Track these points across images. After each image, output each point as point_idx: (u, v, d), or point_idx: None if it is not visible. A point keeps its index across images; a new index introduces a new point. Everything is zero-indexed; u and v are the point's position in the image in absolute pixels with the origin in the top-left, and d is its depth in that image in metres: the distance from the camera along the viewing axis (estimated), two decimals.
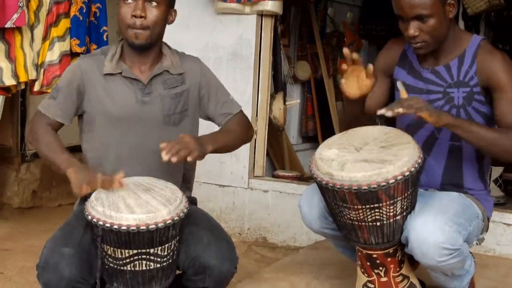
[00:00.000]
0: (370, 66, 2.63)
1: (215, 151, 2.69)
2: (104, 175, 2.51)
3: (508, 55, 2.79)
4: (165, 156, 2.47)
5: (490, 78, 2.68)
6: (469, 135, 2.61)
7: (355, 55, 2.62)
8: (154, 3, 2.68)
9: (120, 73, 2.73)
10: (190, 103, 2.83)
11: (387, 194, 2.47)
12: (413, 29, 2.65)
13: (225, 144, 2.77)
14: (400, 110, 2.52)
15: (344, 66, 2.65)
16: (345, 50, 2.64)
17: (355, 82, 2.67)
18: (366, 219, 2.53)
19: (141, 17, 2.66)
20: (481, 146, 2.64)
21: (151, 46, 2.74)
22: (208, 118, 2.92)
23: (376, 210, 2.50)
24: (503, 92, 2.66)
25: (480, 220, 2.75)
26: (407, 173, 2.47)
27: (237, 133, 2.85)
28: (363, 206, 2.50)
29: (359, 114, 2.80)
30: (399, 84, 2.68)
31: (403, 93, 2.63)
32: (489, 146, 2.63)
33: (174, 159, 2.47)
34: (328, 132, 6.01)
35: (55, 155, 2.64)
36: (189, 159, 2.51)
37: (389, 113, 2.53)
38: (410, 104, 2.53)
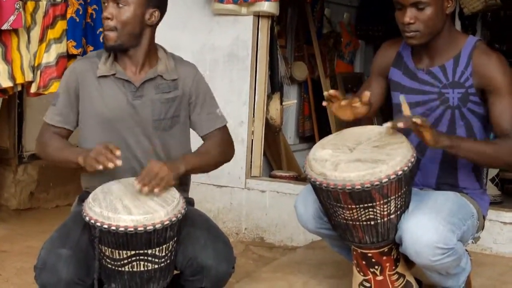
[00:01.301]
0: (366, 93, 2.62)
1: (188, 172, 2.71)
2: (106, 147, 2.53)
3: (504, 55, 2.80)
4: (136, 186, 2.50)
5: (485, 79, 2.69)
6: (468, 154, 2.63)
7: (344, 102, 2.61)
8: (121, 4, 2.68)
9: (114, 74, 2.74)
10: (182, 109, 2.82)
11: (381, 193, 2.48)
12: (409, 16, 2.66)
13: (200, 166, 2.78)
14: (402, 125, 2.52)
15: (325, 104, 2.66)
16: (326, 94, 2.64)
17: (349, 110, 2.66)
18: (360, 218, 2.54)
19: (107, 18, 2.67)
20: (482, 163, 2.70)
21: (128, 48, 2.73)
22: (192, 127, 2.92)
23: (370, 209, 2.51)
24: (499, 95, 2.67)
25: (475, 219, 2.76)
26: (400, 172, 2.47)
27: (214, 155, 2.84)
28: (357, 206, 2.51)
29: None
30: (401, 99, 2.67)
31: (405, 109, 2.61)
32: (490, 161, 2.70)
33: (145, 189, 2.49)
34: (325, 133, 6.01)
35: (64, 153, 2.69)
36: (156, 190, 2.51)
37: (390, 131, 2.58)
38: (412, 123, 2.52)
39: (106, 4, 2.69)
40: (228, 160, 2.94)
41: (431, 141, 2.55)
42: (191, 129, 2.92)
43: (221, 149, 2.87)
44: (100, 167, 2.48)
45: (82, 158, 2.57)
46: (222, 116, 2.92)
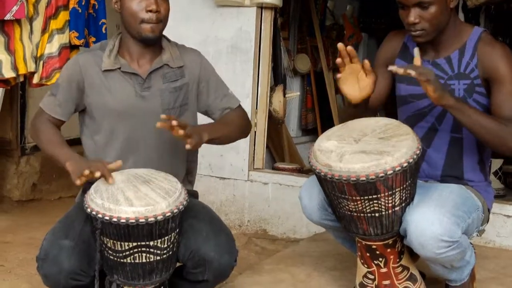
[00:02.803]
0: (366, 62, 2.62)
1: (212, 141, 2.66)
2: (103, 162, 2.52)
3: (508, 47, 2.78)
4: (163, 116, 2.48)
5: (490, 70, 2.68)
6: (469, 120, 2.59)
7: (349, 48, 2.60)
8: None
9: (119, 68, 2.73)
10: (190, 96, 2.82)
11: (386, 185, 2.47)
12: (413, 16, 2.65)
13: (223, 134, 2.75)
14: (412, 73, 2.49)
15: (339, 60, 2.64)
16: (340, 45, 2.62)
17: (355, 84, 2.66)
18: (365, 210, 2.53)
19: (156, 11, 2.68)
20: (482, 135, 2.61)
21: (159, 39, 2.77)
22: (206, 112, 2.91)
23: (375, 201, 2.50)
24: (502, 84, 2.65)
25: (480, 212, 2.75)
26: (405, 164, 2.46)
27: (236, 126, 2.84)
28: (362, 197, 2.50)
29: (361, 115, 2.79)
30: (415, 50, 2.67)
31: (417, 60, 2.62)
32: (489, 135, 2.60)
33: (174, 123, 2.45)
34: (327, 125, 5.94)
35: (55, 150, 2.67)
36: (187, 147, 2.49)
37: (400, 71, 2.52)
38: (421, 72, 2.51)
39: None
40: (247, 135, 2.96)
41: (434, 96, 2.53)
42: (203, 115, 2.92)
43: (242, 123, 2.89)
44: (87, 172, 2.46)
45: (71, 166, 2.54)
46: (235, 96, 2.93)
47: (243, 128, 2.90)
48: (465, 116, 2.59)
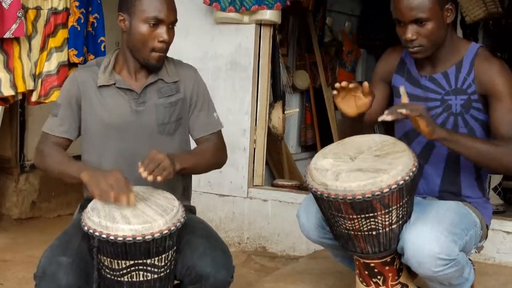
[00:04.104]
0: (366, 85, 2.63)
1: (183, 171, 2.66)
2: (119, 174, 2.51)
3: (506, 63, 2.79)
4: (143, 173, 2.48)
5: (487, 85, 2.68)
6: (464, 149, 2.60)
7: (344, 83, 2.62)
8: (171, 25, 2.71)
9: (114, 84, 2.74)
10: (184, 112, 2.82)
11: (382, 203, 2.47)
12: (410, 32, 2.66)
13: (193, 166, 2.74)
14: (403, 111, 2.50)
15: (335, 93, 2.66)
16: (337, 85, 2.64)
17: (352, 102, 2.68)
18: (362, 228, 2.53)
19: (165, 43, 2.69)
20: (478, 160, 2.64)
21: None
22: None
23: (372, 219, 2.50)
24: (499, 100, 2.66)
25: (478, 229, 2.74)
26: (401, 182, 2.46)
27: (208, 158, 2.82)
28: (358, 216, 2.49)
29: (358, 128, 2.80)
30: (401, 90, 2.68)
31: (404, 99, 2.63)
32: (487, 160, 2.62)
33: (150, 178, 2.47)
34: (327, 141, 6.00)
35: (65, 167, 2.66)
36: (159, 179, 2.49)
37: (389, 118, 2.52)
38: (413, 108, 2.52)
39: (155, 24, 2.66)
40: (220, 166, 2.92)
41: (426, 131, 2.54)
42: None
43: (215, 153, 2.86)
44: (111, 199, 2.45)
45: (87, 176, 2.54)
46: (218, 120, 2.91)
47: (217, 159, 2.88)
48: (459, 146, 2.60)
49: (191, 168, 2.74)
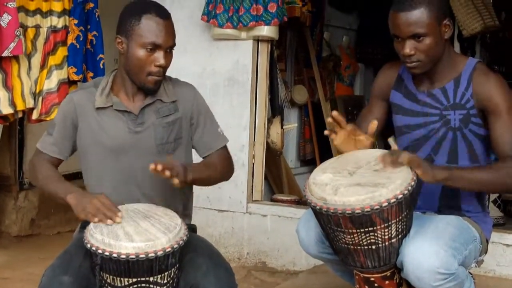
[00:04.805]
0: (374, 123, 2.66)
1: (195, 181, 2.67)
2: (104, 198, 2.53)
3: (504, 77, 2.80)
4: (152, 165, 2.48)
5: (485, 100, 2.69)
6: (466, 183, 2.63)
7: (349, 127, 2.65)
8: (169, 49, 2.71)
9: (111, 106, 2.74)
10: (184, 131, 2.82)
11: (381, 218, 2.47)
12: (408, 48, 2.67)
13: (207, 177, 2.75)
14: (404, 161, 2.52)
15: (326, 132, 2.68)
16: (330, 120, 2.66)
17: (352, 145, 2.70)
18: (361, 242, 2.53)
19: (164, 67, 2.69)
20: (483, 190, 2.69)
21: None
22: (193, 146, 2.91)
23: (371, 233, 2.50)
24: (498, 115, 2.67)
25: (477, 243, 2.74)
26: (400, 196, 2.46)
27: (217, 169, 2.83)
28: (358, 230, 2.50)
29: None
30: (390, 141, 2.69)
31: (394, 147, 2.66)
32: (491, 188, 2.69)
33: (159, 167, 2.47)
34: (326, 156, 5.98)
35: (53, 186, 2.69)
36: (175, 181, 2.50)
37: (380, 165, 2.55)
38: (411, 159, 2.52)
39: (152, 49, 2.65)
40: (227, 179, 2.93)
41: (426, 177, 2.55)
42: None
43: (223, 166, 2.87)
44: (96, 220, 2.48)
45: (73, 200, 2.57)
46: (223, 135, 2.92)
47: (225, 172, 2.89)
48: (462, 181, 2.62)
49: (204, 179, 2.74)
